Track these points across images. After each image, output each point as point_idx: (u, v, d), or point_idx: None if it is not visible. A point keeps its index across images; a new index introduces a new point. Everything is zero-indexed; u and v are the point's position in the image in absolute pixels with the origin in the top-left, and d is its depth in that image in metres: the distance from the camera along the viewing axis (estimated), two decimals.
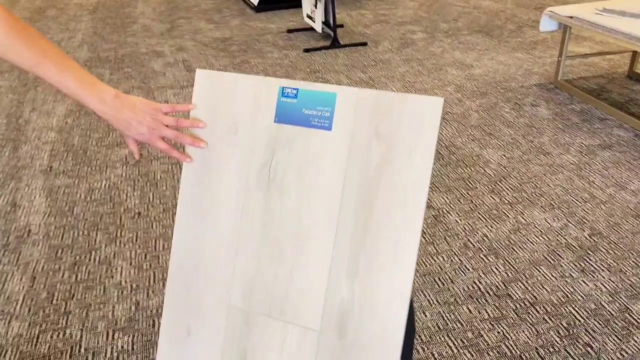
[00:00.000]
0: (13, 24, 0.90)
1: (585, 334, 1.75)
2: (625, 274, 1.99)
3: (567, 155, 2.75)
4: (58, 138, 3.12)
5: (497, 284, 1.97)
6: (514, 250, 2.12)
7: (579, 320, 1.80)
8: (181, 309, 1.07)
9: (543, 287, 1.94)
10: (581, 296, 1.90)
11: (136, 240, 2.26)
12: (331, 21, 4.35)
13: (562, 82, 3.48)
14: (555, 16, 3.34)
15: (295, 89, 0.97)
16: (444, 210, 2.38)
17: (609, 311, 1.83)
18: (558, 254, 2.09)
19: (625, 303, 1.86)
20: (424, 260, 2.10)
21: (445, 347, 1.73)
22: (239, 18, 5.39)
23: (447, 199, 2.46)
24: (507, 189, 2.50)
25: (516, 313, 1.84)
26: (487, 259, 2.08)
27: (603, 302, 1.87)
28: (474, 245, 2.16)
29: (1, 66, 4.23)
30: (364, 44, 4.42)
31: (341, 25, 4.89)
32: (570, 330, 1.77)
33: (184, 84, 3.82)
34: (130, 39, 4.86)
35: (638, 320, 1.80)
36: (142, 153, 2.93)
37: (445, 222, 2.30)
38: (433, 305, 1.89)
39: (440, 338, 1.76)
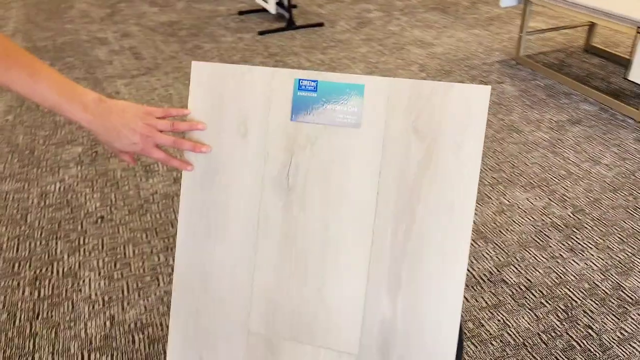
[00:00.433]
0: None
1: (584, 315, 1.73)
2: (613, 250, 1.99)
3: (538, 132, 2.74)
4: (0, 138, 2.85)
5: (490, 269, 1.92)
6: (502, 233, 2.08)
7: (576, 302, 1.78)
8: (190, 337, 0.94)
9: (536, 269, 1.91)
10: (574, 276, 1.88)
11: (102, 248, 2.07)
12: (285, 2, 4.18)
13: (524, 58, 3.48)
14: None
15: (314, 80, 0.85)
16: None
17: (603, 290, 1.82)
18: (545, 235, 2.07)
19: (617, 280, 1.86)
20: None
21: None
22: (185, 0, 5.12)
23: None
24: (486, 169, 2.46)
25: (513, 299, 1.80)
26: (477, 244, 2.03)
27: (596, 281, 1.86)
28: None
29: None
30: (321, 24, 4.28)
31: (294, 6, 4.72)
32: (569, 313, 1.74)
33: (134, 72, 3.58)
34: (68, 26, 4.52)
35: (632, 297, 1.79)
36: (97, 150, 2.71)
37: None
38: None
39: None
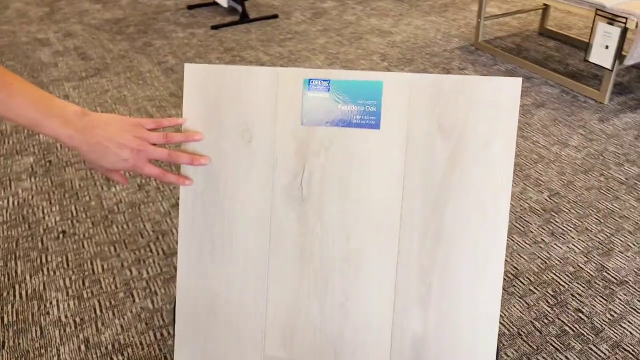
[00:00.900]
0: None
1: (573, 299, 1.74)
2: (592, 231, 2.01)
3: None
4: None
5: None
6: None
7: (563, 286, 1.78)
8: None
9: (520, 256, 1.91)
10: (558, 260, 1.89)
11: (67, 265, 1.93)
12: None
13: (483, 44, 3.50)
14: None
15: (326, 80, 0.78)
16: None
17: (587, 272, 1.84)
18: (525, 220, 2.07)
19: (599, 261, 1.88)
20: None
21: None
22: None
23: None
24: None
25: (503, 287, 1.78)
26: None
27: (580, 264, 1.87)
28: None
29: None
30: (275, 16, 4.17)
31: None
32: (558, 298, 1.74)
33: (82, 74, 3.38)
34: (5, 27, 4.23)
35: (615, 277, 1.81)
36: (50, 159, 2.53)
37: None
38: None
39: None
